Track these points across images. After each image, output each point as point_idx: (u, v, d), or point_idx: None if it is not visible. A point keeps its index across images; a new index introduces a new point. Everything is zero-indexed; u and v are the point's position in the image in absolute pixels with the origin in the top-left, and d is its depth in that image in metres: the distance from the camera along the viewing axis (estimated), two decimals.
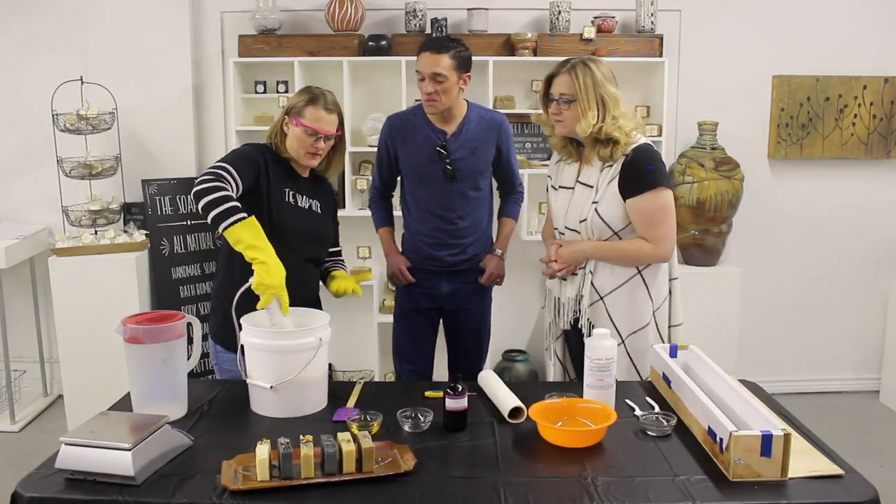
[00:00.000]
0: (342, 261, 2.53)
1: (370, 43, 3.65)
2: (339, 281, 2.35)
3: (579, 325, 2.34)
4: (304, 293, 2.21)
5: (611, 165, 2.23)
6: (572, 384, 2.18)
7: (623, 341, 2.27)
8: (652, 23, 3.74)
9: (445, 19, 3.69)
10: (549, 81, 2.30)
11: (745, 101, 3.93)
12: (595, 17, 3.74)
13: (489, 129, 2.64)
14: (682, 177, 3.75)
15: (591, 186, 2.26)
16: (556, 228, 2.41)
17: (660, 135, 3.73)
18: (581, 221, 2.27)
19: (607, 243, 2.26)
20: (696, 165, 3.74)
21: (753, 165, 3.93)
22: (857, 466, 1.58)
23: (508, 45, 3.70)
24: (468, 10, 3.71)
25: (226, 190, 2.00)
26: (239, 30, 3.77)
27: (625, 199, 2.21)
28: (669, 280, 2.37)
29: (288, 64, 3.64)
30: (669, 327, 2.37)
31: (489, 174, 2.73)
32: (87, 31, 3.74)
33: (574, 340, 2.42)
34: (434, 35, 3.56)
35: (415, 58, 2.63)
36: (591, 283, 2.29)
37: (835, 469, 1.56)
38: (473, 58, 3.64)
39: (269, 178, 2.21)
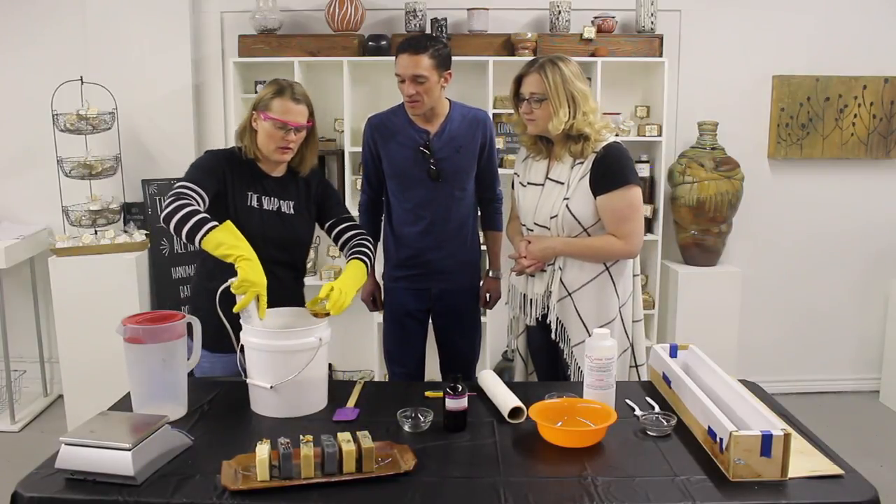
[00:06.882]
0: (364, 236, 2.32)
1: (370, 43, 3.65)
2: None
3: (547, 321, 2.35)
4: (273, 298, 1.98)
5: (582, 162, 2.24)
6: (572, 384, 2.18)
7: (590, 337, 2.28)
8: (652, 23, 3.74)
9: (445, 19, 3.69)
10: (518, 81, 2.31)
11: (745, 101, 3.93)
12: (595, 17, 3.74)
13: (473, 126, 2.61)
14: (682, 177, 3.75)
15: (562, 183, 2.27)
16: (523, 225, 2.42)
17: (660, 135, 3.73)
18: (552, 217, 2.28)
19: (577, 240, 2.27)
20: (696, 165, 3.73)
21: (753, 165, 3.93)
22: (857, 466, 1.58)
23: (508, 45, 3.71)
24: (468, 10, 3.71)
25: (191, 205, 1.99)
26: (239, 30, 3.77)
27: (595, 196, 2.22)
28: (633, 276, 2.38)
29: (288, 64, 3.64)
30: (633, 322, 2.38)
31: (474, 174, 2.69)
32: (87, 31, 3.74)
33: (537, 336, 2.43)
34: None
35: None
36: (560, 279, 2.30)
37: (835, 469, 1.56)
38: (473, 58, 3.69)
39: (232, 183, 2.17)
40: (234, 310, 1.90)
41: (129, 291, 3.50)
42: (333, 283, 2.01)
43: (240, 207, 2.17)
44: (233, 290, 1.89)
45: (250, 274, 1.88)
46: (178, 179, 2.12)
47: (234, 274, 1.94)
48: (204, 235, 1.93)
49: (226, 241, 1.93)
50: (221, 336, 1.98)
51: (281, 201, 2.25)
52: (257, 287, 1.89)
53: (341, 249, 2.34)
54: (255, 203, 2.20)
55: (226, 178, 2.17)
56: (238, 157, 2.22)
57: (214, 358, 2.13)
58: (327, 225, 2.37)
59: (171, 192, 2.05)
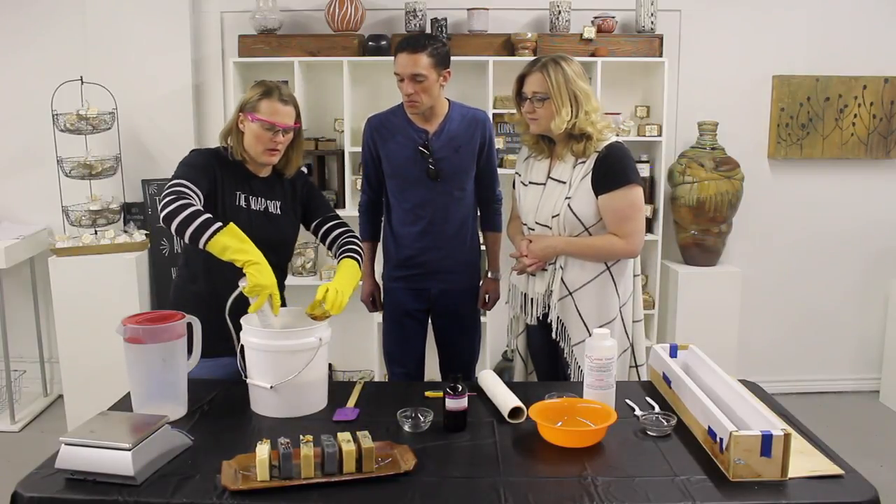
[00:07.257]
0: (351, 234, 2.30)
1: (370, 43, 3.65)
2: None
3: (548, 321, 2.35)
4: None
5: (583, 162, 2.25)
6: (572, 384, 2.18)
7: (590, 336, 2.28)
8: (652, 23, 3.74)
9: (445, 19, 3.69)
10: (520, 81, 2.32)
11: (745, 101, 3.93)
12: (595, 17, 3.74)
13: (472, 126, 2.61)
14: (682, 177, 3.75)
15: (564, 182, 2.28)
16: (524, 224, 2.42)
17: (660, 135, 3.73)
18: (553, 217, 2.29)
19: (578, 239, 2.28)
20: (696, 165, 3.73)
21: (753, 165, 3.93)
22: (857, 466, 1.58)
23: (508, 45, 3.71)
24: (468, 10, 3.71)
25: (192, 205, 1.96)
26: (239, 30, 3.77)
27: (597, 196, 2.23)
28: (633, 276, 2.38)
29: (288, 64, 3.64)
30: (633, 322, 2.38)
31: (474, 174, 2.68)
32: (87, 31, 3.74)
33: (536, 336, 2.44)
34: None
35: None
36: (561, 278, 2.31)
37: (835, 469, 1.56)
38: (473, 58, 3.69)
39: (221, 182, 2.15)
40: (249, 311, 1.91)
41: (129, 291, 3.50)
42: (328, 285, 2.01)
43: (228, 207, 2.16)
44: (246, 294, 1.90)
45: (260, 279, 1.88)
46: None
47: (221, 276, 1.94)
48: (209, 239, 1.91)
49: (231, 244, 1.91)
50: (207, 340, 1.98)
51: (268, 201, 2.24)
52: (269, 289, 1.89)
53: (329, 248, 2.33)
54: (242, 203, 2.19)
55: (216, 176, 2.15)
56: (224, 156, 2.21)
57: (200, 362, 2.11)
58: (314, 225, 2.35)
59: (168, 191, 2.01)
